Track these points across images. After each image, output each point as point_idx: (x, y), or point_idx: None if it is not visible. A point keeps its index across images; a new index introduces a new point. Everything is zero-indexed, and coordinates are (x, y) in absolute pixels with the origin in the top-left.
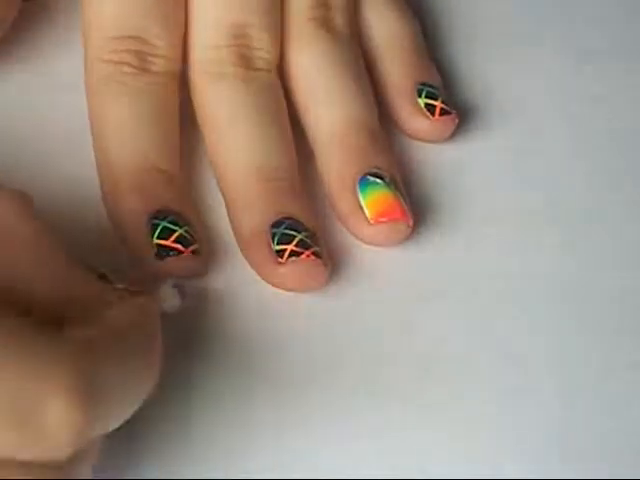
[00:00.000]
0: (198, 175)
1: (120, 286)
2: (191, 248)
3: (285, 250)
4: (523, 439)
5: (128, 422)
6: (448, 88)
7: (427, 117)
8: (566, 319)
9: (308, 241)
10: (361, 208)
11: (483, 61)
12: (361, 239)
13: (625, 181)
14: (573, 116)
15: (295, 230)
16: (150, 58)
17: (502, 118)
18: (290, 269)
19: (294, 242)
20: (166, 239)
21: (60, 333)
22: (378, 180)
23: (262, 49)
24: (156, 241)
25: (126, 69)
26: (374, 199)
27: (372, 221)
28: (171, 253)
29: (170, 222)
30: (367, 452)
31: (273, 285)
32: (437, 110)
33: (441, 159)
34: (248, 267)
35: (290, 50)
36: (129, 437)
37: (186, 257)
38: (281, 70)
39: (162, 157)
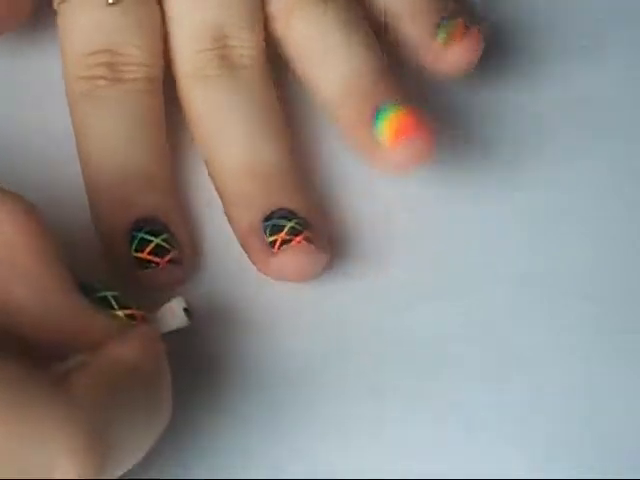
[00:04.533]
0: (190, 175)
1: (121, 313)
2: (167, 257)
3: (276, 240)
4: (523, 439)
5: None
6: None
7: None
8: (567, 319)
9: (298, 227)
10: (378, 140)
11: None
12: (386, 168)
13: (626, 181)
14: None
15: (285, 219)
16: (123, 67)
17: (500, 118)
18: (283, 258)
19: (284, 231)
20: (142, 251)
21: (62, 385)
22: (392, 108)
23: (243, 46)
24: (133, 254)
25: (100, 82)
26: (387, 124)
27: (389, 145)
28: (149, 266)
29: (147, 232)
30: (367, 452)
31: (273, 278)
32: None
33: (440, 160)
34: (243, 267)
35: (286, 20)
36: None
37: (162, 269)
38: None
39: (144, 163)
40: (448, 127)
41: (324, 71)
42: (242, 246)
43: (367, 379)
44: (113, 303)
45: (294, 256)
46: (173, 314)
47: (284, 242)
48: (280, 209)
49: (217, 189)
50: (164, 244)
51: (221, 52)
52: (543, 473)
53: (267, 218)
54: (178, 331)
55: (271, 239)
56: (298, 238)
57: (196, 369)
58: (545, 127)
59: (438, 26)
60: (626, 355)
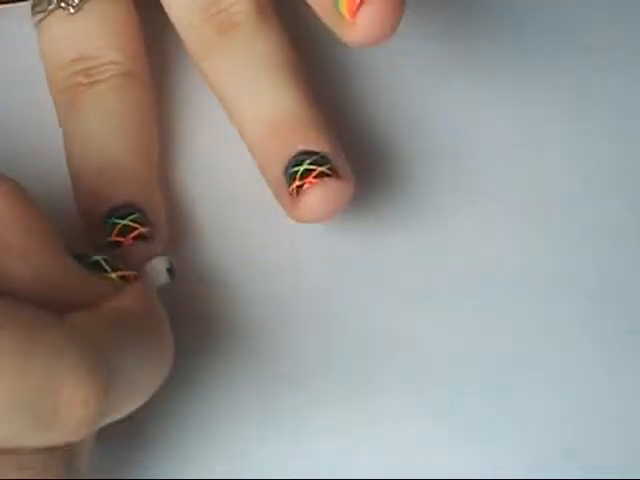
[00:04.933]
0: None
1: (114, 275)
2: (133, 234)
3: (294, 188)
4: (524, 438)
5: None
6: None
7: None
8: (566, 319)
9: (312, 167)
10: (340, 14)
11: None
12: (356, 43)
13: (627, 181)
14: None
15: (299, 164)
16: (98, 69)
17: (501, 118)
18: (304, 203)
19: (297, 177)
20: (110, 235)
21: (63, 321)
22: None
23: (235, 3)
24: (106, 240)
25: (80, 89)
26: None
27: (351, 18)
28: (119, 246)
29: (117, 217)
30: (368, 452)
31: (309, 222)
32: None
33: (441, 159)
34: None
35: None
36: (128, 436)
37: (129, 247)
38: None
39: (122, 155)
40: (428, 136)
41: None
42: (278, 202)
43: (367, 379)
44: (105, 266)
45: (313, 196)
46: (156, 272)
47: (299, 188)
48: (296, 154)
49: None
50: (131, 224)
51: (218, 17)
52: (543, 473)
53: (287, 167)
54: None
55: (290, 188)
56: (309, 178)
57: (193, 368)
58: (544, 126)
59: None
60: (626, 355)
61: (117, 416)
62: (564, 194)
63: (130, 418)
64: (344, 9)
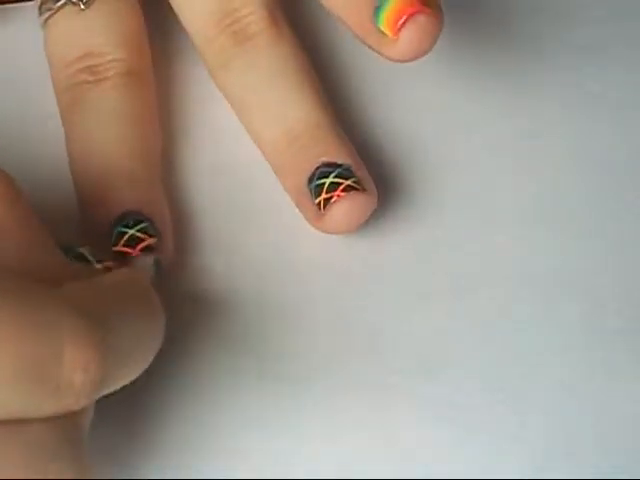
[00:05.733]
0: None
1: (99, 266)
2: (140, 246)
3: (320, 201)
4: (523, 439)
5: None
6: None
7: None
8: (567, 318)
9: (338, 180)
10: (380, 30)
11: None
12: (398, 59)
13: (626, 181)
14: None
15: (324, 177)
16: (102, 67)
17: (500, 118)
18: (330, 216)
19: (324, 189)
20: (117, 244)
21: (56, 289)
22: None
23: (250, 14)
24: (112, 249)
25: (85, 87)
26: (386, 13)
27: (393, 35)
28: (125, 257)
29: (124, 226)
30: (368, 452)
31: (333, 234)
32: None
33: (441, 161)
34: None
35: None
36: (128, 436)
37: (134, 257)
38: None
39: (124, 158)
40: (442, 128)
41: None
42: (301, 213)
43: (367, 379)
44: (90, 258)
45: (339, 209)
46: (143, 266)
47: (326, 201)
48: (319, 166)
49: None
50: (138, 234)
51: (233, 28)
52: (543, 473)
53: (310, 179)
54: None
55: (316, 200)
56: (337, 192)
57: (193, 369)
58: (544, 126)
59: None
60: (626, 355)
61: (114, 386)
62: (564, 194)
63: (130, 419)
64: (385, 26)
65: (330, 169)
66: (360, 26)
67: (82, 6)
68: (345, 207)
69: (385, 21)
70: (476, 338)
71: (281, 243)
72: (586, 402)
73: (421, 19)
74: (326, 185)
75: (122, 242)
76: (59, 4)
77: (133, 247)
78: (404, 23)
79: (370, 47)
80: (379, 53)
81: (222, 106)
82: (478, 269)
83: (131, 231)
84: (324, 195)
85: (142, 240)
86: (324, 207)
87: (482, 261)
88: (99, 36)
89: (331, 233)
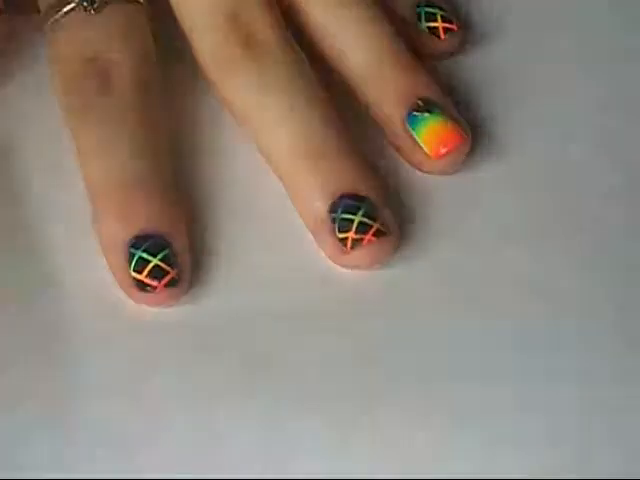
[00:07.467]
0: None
1: None
2: (165, 280)
3: (347, 239)
4: (522, 438)
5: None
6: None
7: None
8: (567, 318)
9: (368, 221)
10: (419, 145)
11: None
12: (429, 172)
13: (627, 182)
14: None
15: (352, 212)
16: (111, 73)
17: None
18: (356, 256)
19: (354, 228)
20: (140, 272)
21: None
22: (425, 114)
23: (254, 21)
24: (132, 274)
25: (91, 93)
26: (428, 135)
27: (433, 156)
28: (147, 288)
29: (145, 250)
30: (368, 452)
31: (349, 269)
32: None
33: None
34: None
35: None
36: (129, 436)
37: (159, 293)
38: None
39: (143, 171)
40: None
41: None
42: (314, 238)
43: (367, 380)
44: None
45: (368, 253)
46: None
47: (355, 241)
48: (343, 196)
49: (280, 180)
50: (162, 264)
51: (240, 38)
52: (543, 473)
53: (332, 209)
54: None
55: (341, 236)
56: (368, 236)
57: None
58: (546, 128)
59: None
60: (626, 354)
61: None
62: (568, 199)
63: (130, 418)
64: (428, 150)
65: (356, 203)
66: (404, 146)
67: (92, 12)
68: (374, 251)
69: (428, 147)
70: (476, 338)
71: (285, 252)
72: (586, 402)
73: (460, 147)
74: (355, 224)
75: (146, 272)
76: (67, 8)
77: (158, 280)
78: (446, 153)
79: (406, 158)
80: (415, 167)
81: (228, 115)
82: (478, 270)
83: (154, 260)
84: (353, 235)
85: (166, 273)
86: (352, 247)
87: (482, 262)
88: (108, 42)
89: (349, 268)
